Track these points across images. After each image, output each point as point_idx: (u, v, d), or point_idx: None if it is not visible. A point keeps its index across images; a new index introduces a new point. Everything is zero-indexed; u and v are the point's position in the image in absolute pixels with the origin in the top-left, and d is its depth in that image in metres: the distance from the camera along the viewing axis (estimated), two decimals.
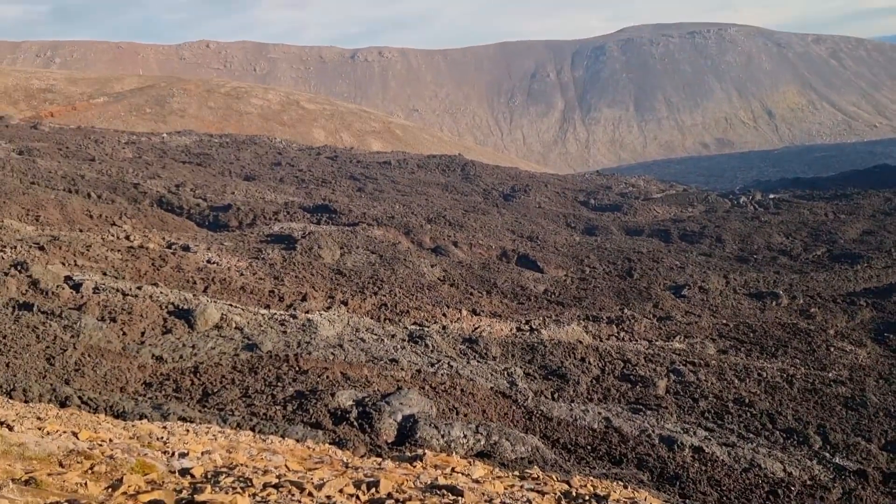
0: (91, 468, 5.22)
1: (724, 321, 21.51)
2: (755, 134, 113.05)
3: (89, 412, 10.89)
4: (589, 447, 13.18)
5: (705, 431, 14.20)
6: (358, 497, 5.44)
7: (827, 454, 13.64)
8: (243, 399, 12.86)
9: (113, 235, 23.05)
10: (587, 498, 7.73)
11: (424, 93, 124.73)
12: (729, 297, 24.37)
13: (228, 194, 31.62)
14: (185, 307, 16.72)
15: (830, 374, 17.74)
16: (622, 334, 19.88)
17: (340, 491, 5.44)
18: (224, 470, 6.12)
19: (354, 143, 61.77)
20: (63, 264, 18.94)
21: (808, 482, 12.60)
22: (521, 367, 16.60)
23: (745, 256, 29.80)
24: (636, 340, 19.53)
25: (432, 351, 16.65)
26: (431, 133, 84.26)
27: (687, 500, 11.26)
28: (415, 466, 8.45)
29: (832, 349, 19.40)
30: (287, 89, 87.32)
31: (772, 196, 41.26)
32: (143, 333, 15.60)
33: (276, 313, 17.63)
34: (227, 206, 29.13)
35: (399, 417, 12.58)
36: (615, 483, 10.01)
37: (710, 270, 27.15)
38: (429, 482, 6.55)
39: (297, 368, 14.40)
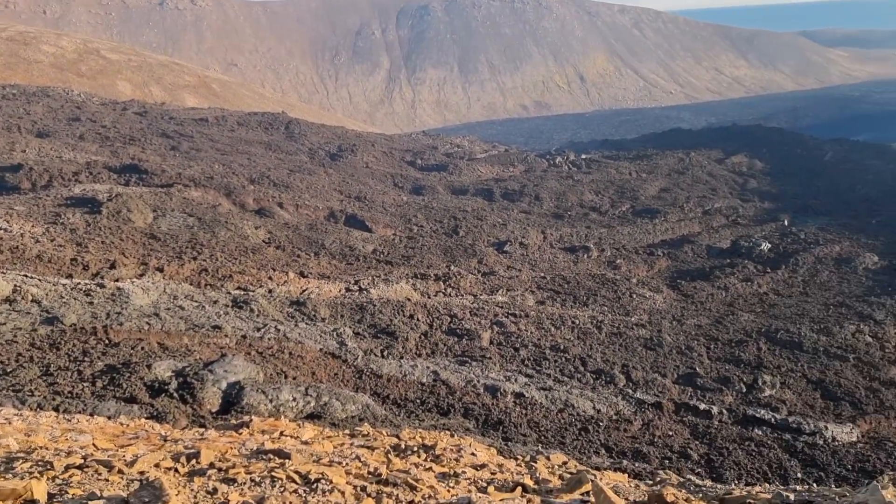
0: None
1: (542, 274, 22.86)
2: (569, 97, 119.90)
3: None
4: (418, 401, 13.53)
5: (525, 378, 15.10)
6: (177, 470, 5.15)
7: (629, 390, 15.07)
8: (44, 378, 11.70)
9: None
10: (415, 449, 7.93)
11: (244, 46, 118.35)
12: (546, 251, 25.91)
13: (18, 153, 28.20)
14: None
15: (633, 319, 19.53)
16: (449, 290, 20.48)
17: (157, 465, 5.11)
18: (20, 455, 5.53)
19: (166, 98, 57.36)
20: None
21: (614, 416, 13.87)
22: (350, 327, 16.59)
23: (561, 213, 31.75)
24: (462, 295, 20.22)
25: (258, 315, 16.15)
26: (252, 89, 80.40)
27: (509, 442, 11.95)
28: (240, 434, 8.18)
29: (634, 296, 21.34)
30: (84, 36, 78.89)
31: (584, 156, 44.13)
32: None
33: (79, 283, 16.13)
34: (16, 165, 25.99)
35: (224, 385, 12.11)
36: (442, 433, 10.36)
37: (530, 227, 28.64)
38: (255, 448, 6.37)
39: (106, 341, 13.33)
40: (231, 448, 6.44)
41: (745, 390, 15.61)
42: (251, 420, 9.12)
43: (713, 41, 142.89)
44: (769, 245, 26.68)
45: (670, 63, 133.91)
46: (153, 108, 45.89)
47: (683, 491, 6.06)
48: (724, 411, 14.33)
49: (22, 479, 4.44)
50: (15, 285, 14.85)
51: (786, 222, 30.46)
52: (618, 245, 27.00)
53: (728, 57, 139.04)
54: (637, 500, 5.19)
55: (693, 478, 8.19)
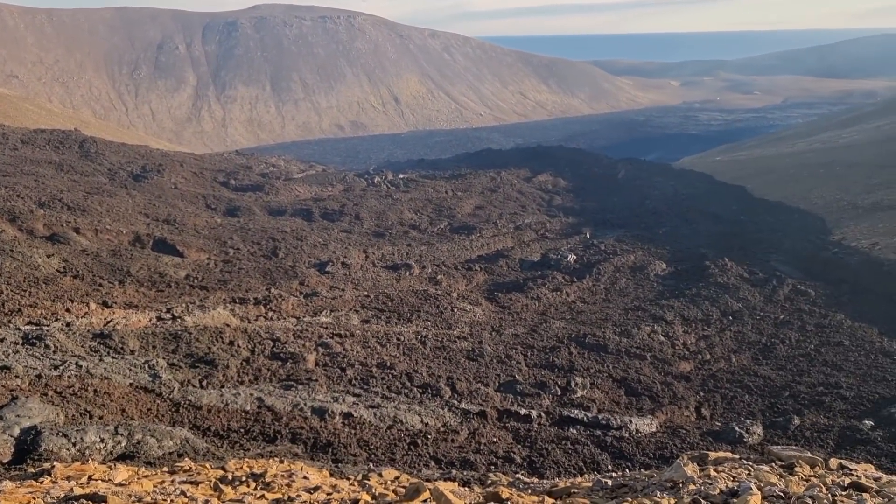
0: None
1: (366, 293, 22.92)
2: (385, 118, 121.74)
3: None
4: (242, 430, 12.96)
5: (353, 397, 15.02)
6: None
7: (455, 402, 15.52)
8: None
9: None
10: (244, 479, 7.60)
11: (25, 57, 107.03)
12: (369, 270, 26.03)
13: None
14: None
15: (455, 332, 20.18)
16: (270, 314, 19.88)
17: None
18: None
19: None
20: None
21: (442, 428, 14.21)
22: (164, 358, 15.54)
23: (382, 231, 32.09)
24: (285, 318, 19.71)
25: (55, 352, 14.60)
26: (38, 104, 72.93)
27: (339, 464, 11.80)
28: (42, 482, 7.35)
29: (456, 310, 22.06)
30: None
31: (401, 176, 45.01)
32: None
33: None
34: None
35: (16, 431, 10.79)
36: (271, 460, 10.02)
37: (351, 246, 28.63)
38: (62, 496, 5.75)
39: None
40: (34, 499, 5.77)
41: (560, 393, 16.69)
42: (53, 466, 8.23)
43: (517, 67, 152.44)
44: (574, 256, 28.85)
45: (479, 86, 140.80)
46: None
47: (514, 489, 6.37)
48: (543, 414, 15.22)
49: None
50: None
51: (588, 235, 33.12)
52: (438, 261, 27.79)
53: (531, 82, 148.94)
54: (473, 501, 5.37)
55: (521, 476, 8.62)
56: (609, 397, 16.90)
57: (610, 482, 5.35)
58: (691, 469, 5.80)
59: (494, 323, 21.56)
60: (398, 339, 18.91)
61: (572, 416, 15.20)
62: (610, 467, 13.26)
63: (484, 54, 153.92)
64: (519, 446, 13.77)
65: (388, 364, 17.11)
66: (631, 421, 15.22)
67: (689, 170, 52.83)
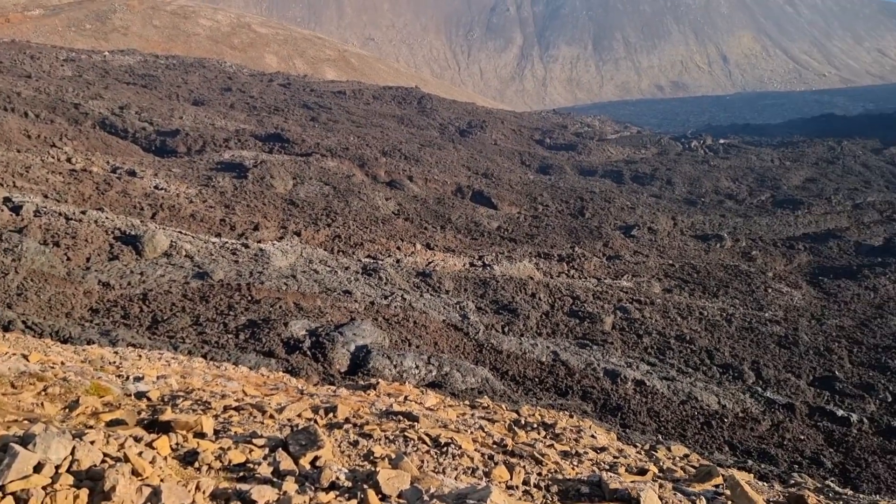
0: (45, 389, 5.16)
1: (671, 261, 22.12)
2: (709, 78, 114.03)
3: (34, 336, 10.68)
4: (537, 379, 13.59)
5: (647, 366, 14.77)
6: (316, 421, 5.53)
7: (759, 388, 14.38)
8: (194, 327, 12.77)
9: (53, 157, 22.13)
10: (535, 426, 8.02)
11: (381, 21, 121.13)
12: (676, 238, 25.01)
13: (176, 119, 30.54)
14: (133, 233, 16.33)
15: (767, 314, 18.54)
16: (572, 272, 20.29)
17: (299, 415, 5.51)
18: (181, 394, 6.13)
19: (308, 71, 59.96)
20: (0, 185, 18.17)
21: (741, 414, 13.31)
22: (473, 302, 16.86)
23: (694, 199, 30.47)
24: (585, 278, 19.98)
25: (386, 283, 16.73)
26: (388, 64, 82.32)
27: (627, 430, 11.79)
28: (368, 394, 8.60)
29: (770, 290, 20.22)
30: (238, 11, 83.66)
31: (722, 141, 41.99)
32: (88, 259, 15.21)
33: (227, 242, 17.37)
34: (174, 131, 28.18)
35: (352, 348, 12.71)
36: (561, 413, 10.39)
37: (660, 212, 27.72)
38: (384, 409, 6.69)
39: (249, 298, 14.32)
40: (362, 406, 6.80)
41: (890, 400, 14.49)
42: (378, 382, 9.56)
43: (878, 20, 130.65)
44: None
45: (826, 43, 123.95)
46: (296, 80, 48.14)
47: (822, 497, 5.77)
48: (865, 420, 13.39)
49: (188, 415, 4.94)
50: (172, 241, 16.21)
51: None
52: (754, 236, 25.60)
53: (894, 37, 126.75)
54: (772, 499, 5.01)
55: (832, 484, 7.75)
56: None
57: None
58: None
59: (815, 310, 19.31)
60: (701, 313, 18.00)
61: None
62: None
63: (836, 5, 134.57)
64: (831, 450, 12.34)
65: (688, 338, 16.42)
66: None
67: None
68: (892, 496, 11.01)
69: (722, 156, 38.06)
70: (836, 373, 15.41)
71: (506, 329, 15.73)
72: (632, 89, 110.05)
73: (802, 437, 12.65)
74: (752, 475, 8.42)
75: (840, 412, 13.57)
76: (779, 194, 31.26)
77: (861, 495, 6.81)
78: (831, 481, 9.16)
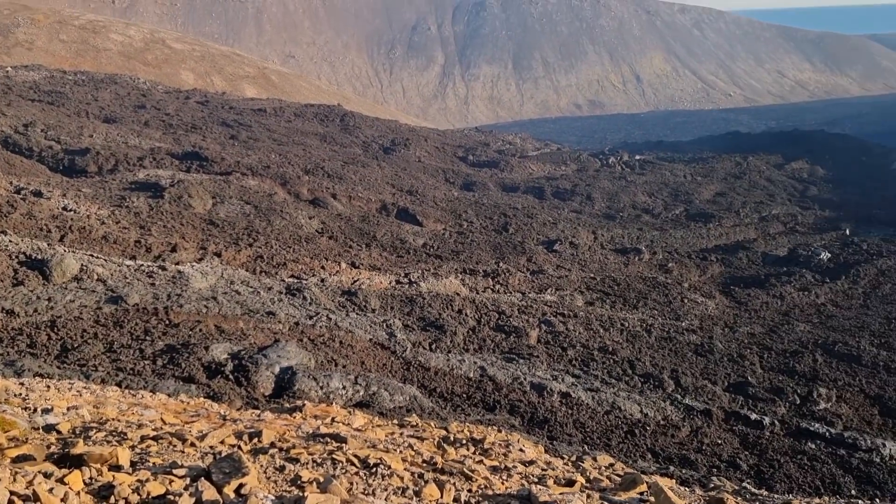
0: None
1: (592, 275, 22.70)
2: (624, 97, 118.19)
3: None
4: (465, 395, 13.63)
5: (572, 378, 15.05)
6: (240, 447, 5.35)
7: (678, 396, 14.88)
8: (108, 354, 12.19)
9: None
10: (464, 442, 8.02)
11: (302, 39, 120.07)
12: (596, 252, 25.70)
13: (86, 137, 29.28)
14: (40, 257, 15.50)
15: (684, 324, 19.26)
16: (497, 287, 20.53)
17: (222, 442, 5.32)
18: (94, 425, 5.82)
19: (227, 88, 58.69)
20: None
21: (662, 421, 13.73)
22: (399, 319, 16.79)
23: (612, 214, 31.43)
24: (510, 293, 20.24)
25: (310, 303, 16.47)
26: (309, 81, 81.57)
27: (555, 441, 11.95)
28: (294, 417, 8.41)
29: (686, 301, 21.02)
30: (151, 26, 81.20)
31: (637, 157, 43.53)
32: None
33: (143, 264, 16.72)
34: (84, 149, 27.01)
35: (276, 370, 12.42)
36: (489, 428, 10.44)
37: (580, 227, 28.45)
38: (311, 431, 6.55)
39: (167, 322, 13.80)
40: (288, 430, 6.64)
41: (798, 402, 15.26)
42: (304, 405, 9.36)
43: (777, 43, 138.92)
44: (829, 254, 25.92)
45: (730, 64, 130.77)
46: (214, 97, 47.05)
47: (740, 499, 6.00)
48: (777, 422, 14.04)
49: (100, 446, 4.69)
50: (82, 264, 15.47)
51: (847, 231, 29.54)
52: (670, 248, 26.62)
53: (792, 59, 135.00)
54: (694, 503, 5.17)
55: (748, 486, 8.07)
56: (859, 415, 15.10)
57: None
58: None
59: (728, 319, 20.21)
60: (622, 324, 18.52)
61: (812, 429, 13.83)
62: (854, 492, 11.89)
63: (738, 29, 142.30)
64: (746, 453, 12.87)
65: (611, 349, 16.85)
66: (885, 444, 13.46)
67: None
68: (805, 495, 11.55)
69: (638, 171, 39.46)
70: (749, 378, 16.12)
71: (433, 346, 15.74)
72: (551, 107, 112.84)
73: (720, 442, 13.14)
74: (674, 481, 8.68)
75: (753, 416, 14.19)
76: (692, 208, 32.63)
77: (775, 495, 7.14)
78: (748, 483, 9.55)
